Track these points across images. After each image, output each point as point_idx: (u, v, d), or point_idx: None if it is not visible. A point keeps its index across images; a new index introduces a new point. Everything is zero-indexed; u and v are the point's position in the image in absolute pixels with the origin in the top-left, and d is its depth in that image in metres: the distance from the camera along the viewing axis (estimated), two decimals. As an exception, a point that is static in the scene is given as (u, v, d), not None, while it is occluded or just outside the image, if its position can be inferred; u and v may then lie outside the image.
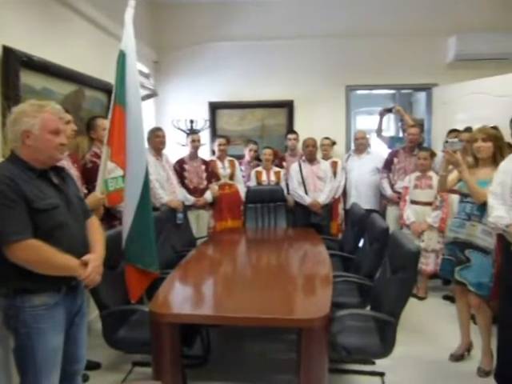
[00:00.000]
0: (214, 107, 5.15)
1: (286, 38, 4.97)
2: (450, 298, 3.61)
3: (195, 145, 4.04)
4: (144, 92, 4.46)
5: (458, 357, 2.77)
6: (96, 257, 1.71)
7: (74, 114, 2.81)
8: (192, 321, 2.02)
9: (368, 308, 2.51)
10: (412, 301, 3.78)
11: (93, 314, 2.80)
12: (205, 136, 4.79)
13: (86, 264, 1.66)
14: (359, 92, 5.54)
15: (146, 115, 3.83)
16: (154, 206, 2.99)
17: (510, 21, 4.64)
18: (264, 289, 2.29)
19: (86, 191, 2.63)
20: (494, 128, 2.65)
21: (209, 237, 3.76)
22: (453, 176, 2.68)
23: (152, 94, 4.85)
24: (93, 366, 2.56)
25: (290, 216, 4.28)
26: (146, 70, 4.72)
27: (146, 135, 3.23)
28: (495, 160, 2.44)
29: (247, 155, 4.48)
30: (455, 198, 3.03)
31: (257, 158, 4.53)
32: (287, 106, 5.06)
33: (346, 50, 4.96)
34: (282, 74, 5.03)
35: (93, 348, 2.21)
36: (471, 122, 3.69)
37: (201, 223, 4.04)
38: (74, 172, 2.51)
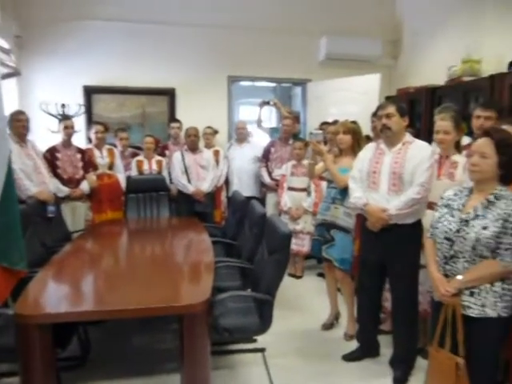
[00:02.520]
0: (90, 92, 4.81)
1: (167, 24, 4.86)
2: (322, 275, 3.97)
3: (68, 132, 3.73)
4: (3, 70, 3.96)
5: (328, 325, 3.10)
6: None
7: None
8: (65, 319, 1.88)
9: (249, 290, 2.65)
10: (290, 280, 4.10)
11: None
12: (79, 122, 4.45)
13: None
14: (242, 83, 5.69)
15: (7, 97, 3.41)
16: (19, 199, 2.69)
17: (371, 28, 5.21)
18: (146, 280, 2.24)
19: None
20: (354, 122, 2.97)
21: (86, 230, 3.53)
22: (321, 164, 2.95)
23: (13, 73, 4.32)
24: None
25: (174, 205, 4.24)
26: (5, 45, 4.18)
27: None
28: (354, 150, 2.76)
29: (118, 145, 4.31)
30: (325, 184, 3.34)
31: (131, 147, 4.38)
32: (169, 94, 4.97)
33: (229, 42, 5.04)
34: (163, 60, 4.91)
35: None
36: (342, 115, 4.06)
37: (77, 216, 3.76)
38: None
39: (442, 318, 1.76)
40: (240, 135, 4.59)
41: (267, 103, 5.13)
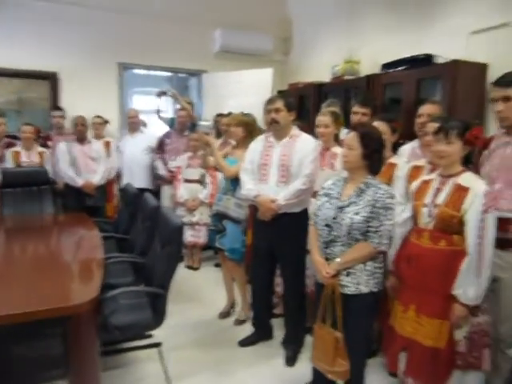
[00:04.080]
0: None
1: (49, 1, 4.41)
2: (220, 265, 4.04)
3: None
4: None
5: (224, 314, 3.17)
6: None
7: None
8: None
9: (143, 285, 2.58)
10: (188, 272, 4.10)
11: None
12: None
13: None
14: (137, 71, 5.45)
15: None
16: None
17: (264, 24, 5.35)
18: (26, 282, 2.04)
19: None
20: (247, 115, 3.04)
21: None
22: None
23: None
24: None
25: (60, 200, 3.93)
26: None
27: None
28: (246, 142, 2.83)
29: None
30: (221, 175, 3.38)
31: (7, 136, 3.94)
32: (50, 79, 4.54)
33: (121, 27, 4.79)
34: (43, 41, 4.48)
35: None
36: (238, 108, 4.10)
37: None
38: None
39: (324, 298, 1.91)
40: (132, 124, 4.40)
41: (165, 93, 4.99)
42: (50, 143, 4.10)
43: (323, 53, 4.85)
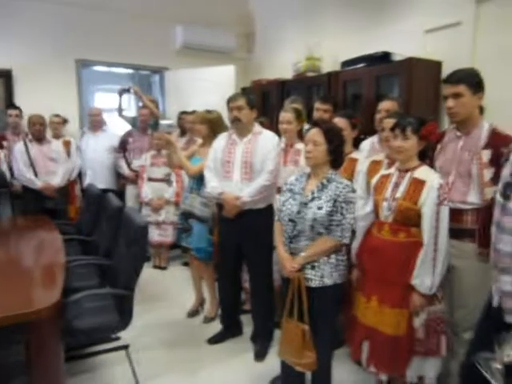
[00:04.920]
0: None
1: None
2: (188, 264, 4.02)
3: None
4: None
5: (193, 312, 3.17)
6: None
7: None
8: None
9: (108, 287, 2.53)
10: (155, 272, 4.06)
11: None
12: None
13: None
14: (98, 68, 5.30)
15: None
16: None
17: (226, 20, 5.33)
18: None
19: None
20: (210, 112, 3.04)
21: None
22: (183, 153, 2.96)
23: None
24: None
25: (19, 203, 3.78)
26: None
27: None
28: (211, 140, 2.82)
29: None
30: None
31: None
32: (3, 76, 4.34)
33: (79, 22, 4.63)
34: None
35: None
36: (202, 105, 4.07)
37: None
38: None
39: (290, 292, 1.95)
40: (93, 123, 4.29)
41: (127, 91, 4.89)
42: (5, 143, 3.92)
43: (286, 50, 4.89)
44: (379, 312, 1.96)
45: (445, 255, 1.86)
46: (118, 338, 2.61)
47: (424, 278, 1.85)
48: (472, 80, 1.93)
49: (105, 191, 3.30)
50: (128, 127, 4.82)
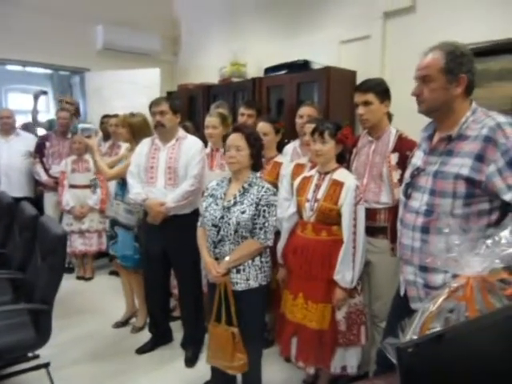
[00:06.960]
0: None
1: None
2: (115, 273, 3.87)
3: None
4: None
5: (122, 323, 3.04)
6: None
7: None
8: None
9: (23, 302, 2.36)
10: (79, 283, 3.85)
11: None
12: None
13: None
14: (11, 67, 4.92)
15: None
16: None
17: (150, 23, 5.21)
18: None
19: None
20: (135, 115, 2.95)
21: None
22: (113, 159, 2.86)
23: None
24: None
25: None
26: None
27: None
28: (132, 143, 2.75)
29: None
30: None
31: None
32: None
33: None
34: None
35: None
36: (126, 108, 3.93)
37: None
38: None
39: (217, 296, 1.96)
40: (4, 126, 3.95)
41: (44, 93, 4.59)
42: None
43: (211, 54, 4.91)
44: (305, 308, 2.05)
45: (362, 251, 2.00)
46: (36, 357, 2.44)
47: (345, 273, 1.97)
48: (379, 89, 2.10)
49: (21, 199, 3.06)
50: (42, 131, 4.51)
